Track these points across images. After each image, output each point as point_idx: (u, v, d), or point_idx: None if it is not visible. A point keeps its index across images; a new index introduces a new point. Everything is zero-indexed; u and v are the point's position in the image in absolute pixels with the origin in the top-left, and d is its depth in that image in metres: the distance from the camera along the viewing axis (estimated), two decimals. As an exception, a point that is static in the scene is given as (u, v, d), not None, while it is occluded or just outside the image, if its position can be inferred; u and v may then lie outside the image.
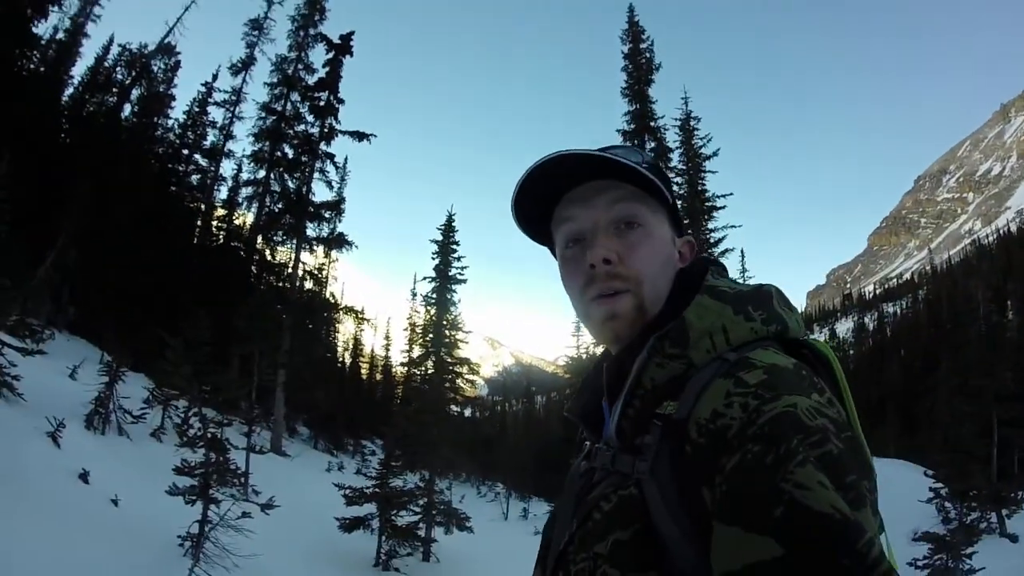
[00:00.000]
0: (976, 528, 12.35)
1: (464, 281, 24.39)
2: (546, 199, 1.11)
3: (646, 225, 1.04)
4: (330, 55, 26.44)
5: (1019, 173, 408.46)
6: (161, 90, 28.18)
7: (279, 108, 26.46)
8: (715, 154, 23.98)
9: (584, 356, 35.92)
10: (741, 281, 1.05)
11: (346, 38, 26.54)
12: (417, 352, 28.70)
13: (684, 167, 23.92)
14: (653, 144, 24.17)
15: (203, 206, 29.18)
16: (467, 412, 37.05)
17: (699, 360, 0.91)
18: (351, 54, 26.62)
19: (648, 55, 24.82)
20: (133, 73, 27.22)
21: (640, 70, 24.64)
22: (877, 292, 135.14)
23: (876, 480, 0.82)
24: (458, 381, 24.90)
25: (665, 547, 0.81)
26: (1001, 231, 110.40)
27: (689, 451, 0.82)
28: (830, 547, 0.65)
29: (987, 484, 14.24)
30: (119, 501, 8.61)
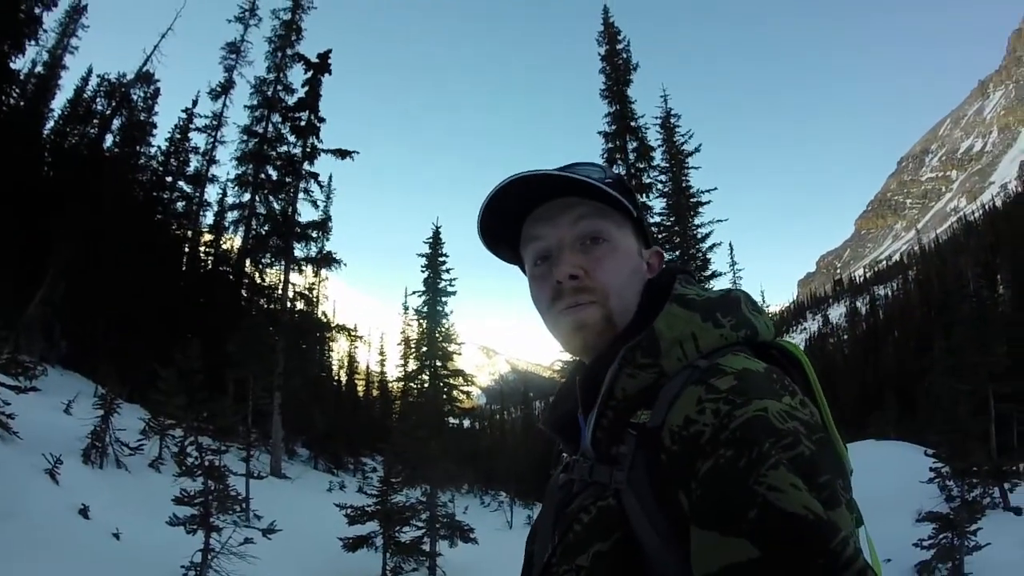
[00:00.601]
0: (979, 504, 12.39)
1: (454, 293, 24.48)
2: (513, 218, 1.12)
3: (611, 240, 1.05)
4: (308, 74, 26.37)
5: (1000, 148, 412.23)
6: (142, 119, 27.99)
7: (260, 130, 26.40)
8: (697, 150, 23.99)
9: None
10: (725, 284, 1.06)
11: (323, 56, 26.51)
12: (412, 366, 28.70)
13: (667, 164, 23.93)
14: (635, 144, 24.20)
15: (189, 232, 29.08)
16: (465, 423, 36.98)
17: (671, 368, 0.92)
18: (329, 72, 26.60)
19: (625, 55, 24.87)
20: (113, 103, 27.06)
21: (618, 71, 24.71)
22: (867, 276, 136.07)
23: (850, 478, 0.84)
24: (454, 393, 24.91)
25: (646, 556, 0.82)
26: (987, 206, 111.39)
27: (664, 459, 0.83)
28: (804, 547, 0.67)
29: (988, 460, 14.31)
30: (120, 534, 8.60)
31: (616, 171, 1.16)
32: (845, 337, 73.42)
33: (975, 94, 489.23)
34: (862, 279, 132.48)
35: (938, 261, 70.93)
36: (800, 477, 0.71)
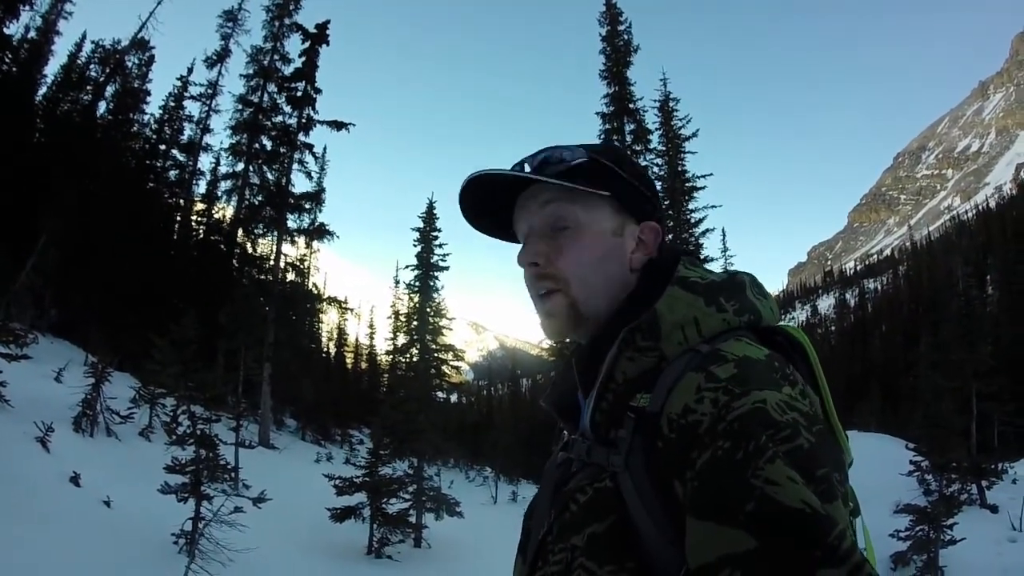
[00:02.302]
0: (956, 499, 12.52)
1: (447, 268, 24.45)
2: (506, 206, 1.15)
3: (575, 226, 1.05)
4: (306, 45, 26.14)
5: (997, 150, 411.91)
6: (136, 86, 27.67)
7: (256, 100, 26.20)
8: (694, 135, 24.03)
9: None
10: (716, 269, 1.09)
11: (322, 27, 26.25)
12: (402, 340, 28.74)
13: (664, 148, 23.99)
14: (632, 126, 24.22)
15: (182, 201, 28.89)
16: (453, 398, 37.09)
17: (671, 353, 0.92)
18: (327, 43, 26.35)
19: (626, 37, 24.79)
20: (107, 70, 26.69)
21: (618, 52, 24.63)
22: (858, 268, 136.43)
23: (847, 469, 0.87)
24: (443, 368, 25.00)
25: (640, 540, 0.82)
26: (980, 207, 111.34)
27: (661, 446, 0.83)
28: (801, 540, 0.68)
29: (967, 457, 14.43)
30: (111, 502, 8.66)
31: (605, 143, 1.15)
32: (833, 328, 73.92)
33: (975, 95, 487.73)
34: (853, 271, 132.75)
35: (929, 258, 71.22)
36: (797, 470, 0.71)
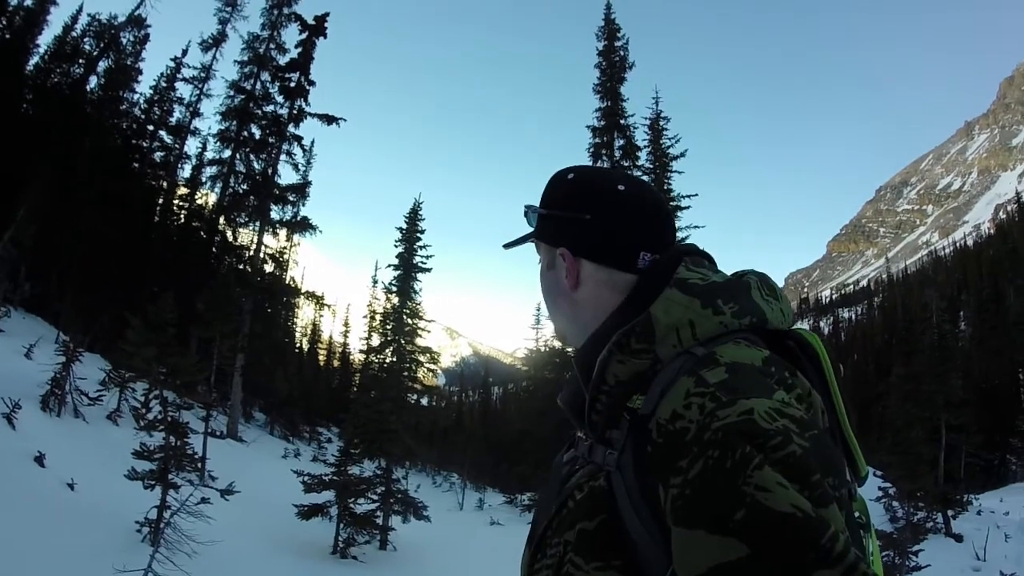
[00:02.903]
0: (923, 527, 12.73)
1: (429, 270, 24.30)
2: None
3: (541, 278, 1.18)
4: (303, 36, 26.11)
5: (979, 189, 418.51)
6: (128, 63, 27.23)
7: (248, 87, 26.05)
8: (683, 155, 24.27)
9: (544, 349, 35.91)
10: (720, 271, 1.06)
11: (321, 19, 26.22)
12: (377, 340, 28.56)
13: (651, 166, 24.17)
14: (622, 142, 24.44)
15: (165, 184, 28.57)
16: (423, 401, 36.98)
17: (665, 355, 0.92)
18: (325, 35, 26.34)
19: (623, 53, 25.07)
20: (101, 44, 26.32)
21: (613, 67, 24.89)
22: (834, 297, 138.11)
23: (846, 475, 0.85)
24: (419, 370, 24.88)
25: (628, 540, 0.83)
26: (958, 244, 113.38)
27: (650, 450, 0.83)
28: (794, 544, 0.67)
29: (934, 486, 14.68)
30: (75, 485, 8.48)
31: (571, 171, 1.16)
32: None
33: (960, 134, 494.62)
34: (828, 300, 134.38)
35: (904, 291, 72.35)
36: (788, 476, 0.70)
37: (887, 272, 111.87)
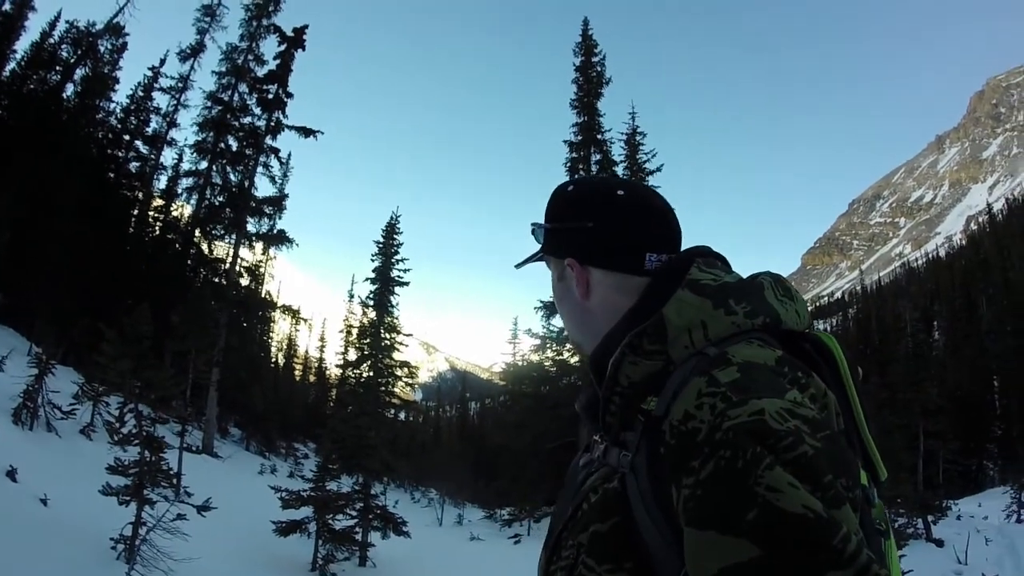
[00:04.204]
0: (903, 533, 12.84)
1: (406, 284, 24.22)
2: None
3: (554, 291, 1.20)
4: (282, 48, 26.09)
5: (950, 201, 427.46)
6: (106, 72, 26.88)
7: (226, 98, 25.95)
8: (659, 169, 24.51)
9: (521, 363, 35.87)
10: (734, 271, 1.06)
11: (299, 31, 26.22)
12: (353, 354, 28.35)
13: (629, 181, 24.37)
14: (599, 156, 24.61)
15: (141, 195, 28.21)
16: (401, 416, 36.75)
17: (678, 356, 0.92)
18: (303, 48, 26.33)
19: (599, 69, 25.39)
20: (79, 52, 25.96)
21: (591, 83, 25.16)
22: (809, 310, 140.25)
23: (859, 477, 0.84)
24: (396, 384, 24.75)
25: (641, 542, 0.83)
26: (930, 255, 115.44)
27: (663, 451, 0.83)
28: (806, 545, 0.66)
29: (914, 492, 14.94)
30: (48, 500, 8.28)
31: (570, 183, 1.21)
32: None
33: (931, 147, 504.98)
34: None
35: (878, 302, 73.34)
36: (799, 477, 0.70)
37: (861, 284, 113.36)
